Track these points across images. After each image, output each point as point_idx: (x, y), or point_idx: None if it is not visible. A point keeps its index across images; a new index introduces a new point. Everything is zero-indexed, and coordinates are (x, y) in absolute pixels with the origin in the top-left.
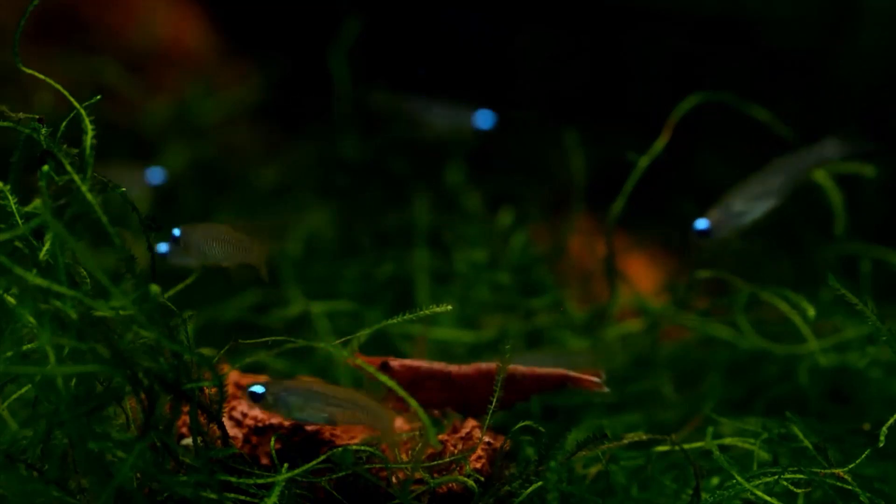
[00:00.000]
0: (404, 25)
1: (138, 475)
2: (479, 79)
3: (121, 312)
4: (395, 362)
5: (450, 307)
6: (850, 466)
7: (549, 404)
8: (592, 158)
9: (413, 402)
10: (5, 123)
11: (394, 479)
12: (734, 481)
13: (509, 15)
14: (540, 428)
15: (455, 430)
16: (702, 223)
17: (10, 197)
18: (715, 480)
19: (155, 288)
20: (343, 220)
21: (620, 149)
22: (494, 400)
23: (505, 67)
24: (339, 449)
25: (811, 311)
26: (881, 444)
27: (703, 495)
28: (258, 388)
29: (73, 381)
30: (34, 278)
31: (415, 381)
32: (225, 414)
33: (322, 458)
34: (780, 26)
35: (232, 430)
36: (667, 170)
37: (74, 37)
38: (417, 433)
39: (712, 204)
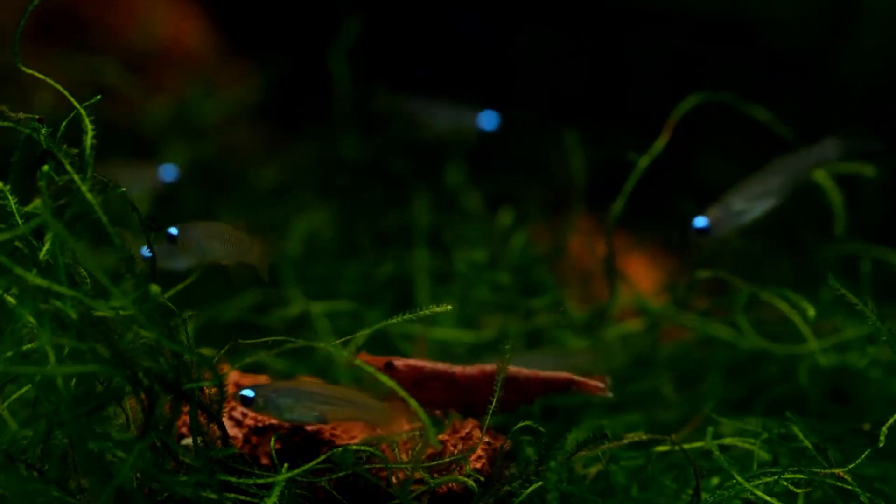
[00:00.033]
0: (404, 25)
1: (138, 475)
2: (480, 79)
3: (121, 312)
4: (399, 362)
5: (450, 307)
6: (850, 466)
7: (549, 404)
8: (592, 158)
9: (413, 402)
10: (5, 123)
11: (394, 479)
12: (734, 481)
13: (509, 15)
14: (540, 428)
15: (455, 430)
16: (701, 221)
17: (10, 197)
18: (715, 480)
19: (155, 288)
20: (343, 220)
21: (620, 149)
22: (494, 400)
23: (505, 67)
24: (339, 449)
25: (811, 311)
26: (881, 444)
27: (703, 495)
28: (248, 393)
29: (73, 381)
30: (34, 278)
31: (418, 382)
32: (225, 414)
33: (322, 458)
34: (780, 26)
35: (232, 430)
36: (667, 170)
37: (74, 37)
38: (417, 433)
39: (712, 203)
